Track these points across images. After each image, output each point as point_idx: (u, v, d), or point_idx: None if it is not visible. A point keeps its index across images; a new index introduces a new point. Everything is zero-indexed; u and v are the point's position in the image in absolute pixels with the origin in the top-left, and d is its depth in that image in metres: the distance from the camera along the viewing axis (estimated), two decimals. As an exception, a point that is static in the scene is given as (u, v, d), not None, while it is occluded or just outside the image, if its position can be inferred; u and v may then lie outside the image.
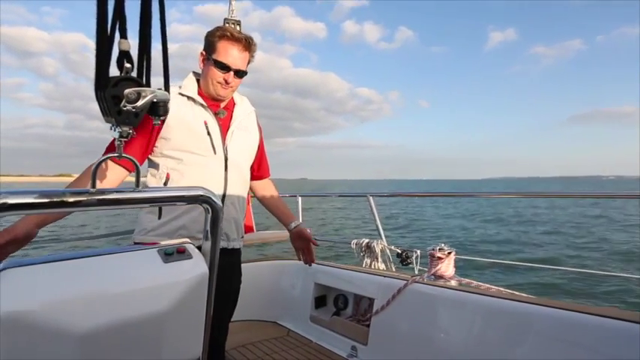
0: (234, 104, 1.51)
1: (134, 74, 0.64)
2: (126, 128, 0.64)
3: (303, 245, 1.68)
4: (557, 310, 1.39)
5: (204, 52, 1.39)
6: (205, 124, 1.36)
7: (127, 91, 0.61)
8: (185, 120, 1.34)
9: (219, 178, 1.39)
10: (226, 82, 1.37)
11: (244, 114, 1.51)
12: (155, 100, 0.64)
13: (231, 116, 1.46)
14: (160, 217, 1.34)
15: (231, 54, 1.34)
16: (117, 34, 0.61)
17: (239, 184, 1.47)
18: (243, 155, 1.49)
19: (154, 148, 1.35)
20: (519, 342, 1.44)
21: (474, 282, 1.83)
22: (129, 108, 0.62)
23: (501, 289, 1.76)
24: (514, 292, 1.72)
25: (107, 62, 0.60)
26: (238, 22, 2.10)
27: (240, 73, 1.39)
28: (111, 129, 0.66)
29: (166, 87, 0.71)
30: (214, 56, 1.34)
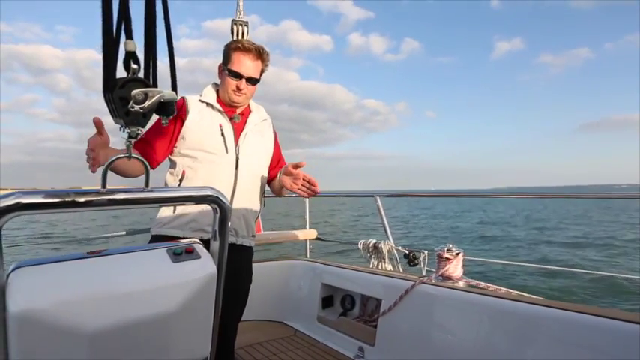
0: (250, 111, 1.61)
1: (141, 75, 0.65)
2: (134, 129, 0.65)
3: (293, 181, 1.48)
4: (567, 312, 1.37)
5: (221, 64, 1.52)
6: (220, 126, 1.48)
7: (134, 92, 0.62)
8: (202, 122, 1.46)
9: (230, 176, 1.47)
10: (239, 89, 1.48)
11: (259, 120, 1.61)
12: (163, 100, 0.65)
13: (246, 122, 1.56)
14: (174, 211, 1.43)
15: (243, 63, 1.47)
16: (122, 36, 0.61)
17: (250, 183, 1.54)
18: (254, 157, 1.56)
19: (174, 149, 1.47)
20: (528, 344, 1.42)
21: (482, 283, 1.81)
22: (137, 109, 0.62)
23: (510, 290, 1.74)
24: (523, 293, 1.70)
25: (114, 64, 0.61)
26: (245, 23, 2.11)
27: (252, 80, 1.50)
28: (120, 130, 0.66)
29: (174, 87, 0.72)
30: (229, 66, 1.48)
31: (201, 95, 1.52)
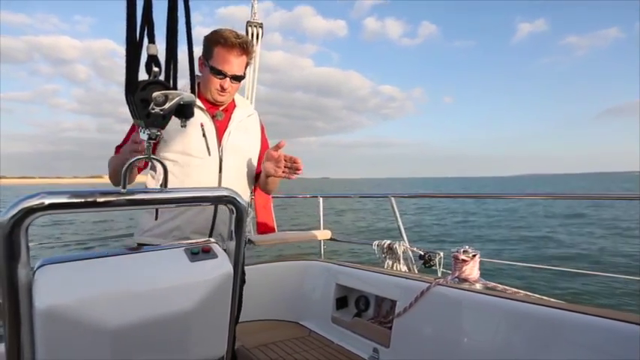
0: (235, 106, 1.50)
1: (161, 77, 0.66)
2: (154, 130, 0.66)
3: (276, 165, 1.38)
4: (589, 317, 1.33)
5: (201, 57, 1.38)
6: (202, 126, 1.37)
7: (155, 94, 0.63)
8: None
9: (213, 179, 1.38)
10: (223, 89, 1.37)
11: (244, 116, 1.50)
12: (182, 102, 0.66)
13: (230, 118, 1.46)
14: (156, 218, 1.36)
15: (227, 60, 1.33)
16: (145, 40, 0.63)
17: (235, 185, 1.41)
18: (239, 156, 1.47)
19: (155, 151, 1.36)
20: (548, 349, 1.38)
21: (500, 285, 1.78)
22: (157, 111, 0.64)
23: (529, 293, 1.70)
24: (543, 296, 1.66)
25: (136, 67, 0.62)
26: (260, 25, 2.12)
27: (237, 78, 1.38)
28: (140, 131, 0.68)
29: (192, 89, 0.73)
30: (211, 62, 1.34)
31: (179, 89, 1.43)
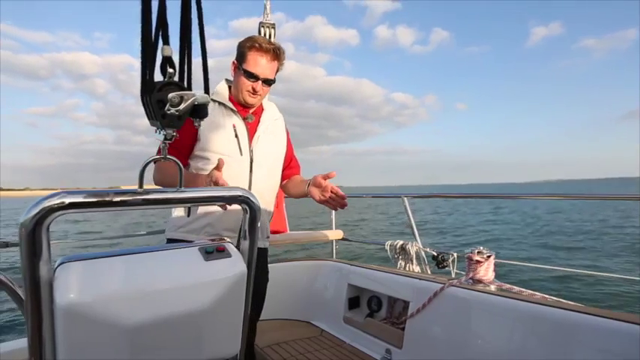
0: (263, 110, 1.57)
1: (176, 79, 0.67)
2: (170, 131, 0.67)
3: (321, 193, 1.43)
4: (608, 320, 1.29)
5: (235, 62, 1.47)
6: (234, 127, 1.44)
7: (170, 95, 0.64)
8: (215, 123, 1.42)
9: (244, 178, 1.44)
10: (254, 91, 1.44)
11: (271, 119, 1.57)
12: (196, 103, 0.67)
13: (259, 121, 1.53)
14: (188, 215, 1.41)
15: (259, 64, 1.41)
16: (160, 41, 0.64)
17: (264, 186, 1.51)
18: (269, 157, 1.53)
19: None
20: (564, 353, 1.35)
21: (516, 287, 1.75)
22: (172, 111, 0.65)
23: (546, 296, 1.67)
24: (560, 299, 1.62)
25: (152, 68, 0.63)
26: (273, 26, 2.13)
27: (268, 82, 1.45)
28: (156, 132, 0.69)
29: (206, 90, 0.74)
30: (244, 66, 1.42)
31: (212, 93, 1.47)
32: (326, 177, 1.40)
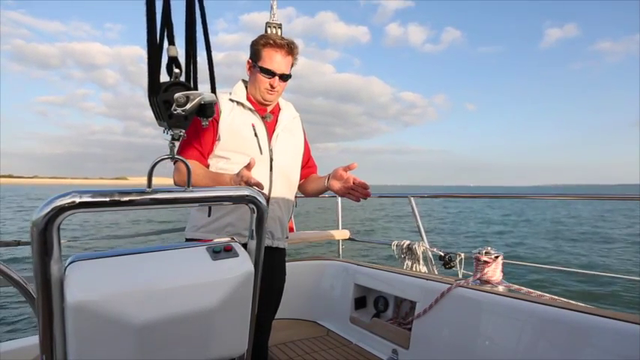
0: (280, 109, 1.58)
1: (182, 79, 0.67)
2: (177, 131, 0.68)
3: (343, 185, 1.40)
4: (619, 322, 1.27)
5: (250, 61, 1.48)
6: (253, 126, 1.45)
7: (176, 95, 0.64)
8: (235, 123, 1.43)
9: (265, 177, 1.44)
10: (272, 87, 1.45)
11: (289, 118, 1.59)
12: (203, 102, 0.67)
13: (277, 120, 1.54)
14: (209, 215, 1.42)
15: (275, 60, 1.43)
16: (165, 42, 0.64)
17: (284, 185, 1.51)
18: (288, 156, 1.54)
19: None
20: (574, 355, 1.34)
21: (524, 288, 1.73)
22: (179, 111, 0.65)
23: (555, 297, 1.64)
24: (570, 300, 1.60)
25: (158, 69, 0.64)
26: (279, 26, 2.14)
27: (284, 77, 1.47)
28: (164, 132, 0.69)
29: (213, 89, 0.74)
30: (260, 63, 1.44)
31: (230, 93, 1.48)
32: (347, 168, 1.37)
